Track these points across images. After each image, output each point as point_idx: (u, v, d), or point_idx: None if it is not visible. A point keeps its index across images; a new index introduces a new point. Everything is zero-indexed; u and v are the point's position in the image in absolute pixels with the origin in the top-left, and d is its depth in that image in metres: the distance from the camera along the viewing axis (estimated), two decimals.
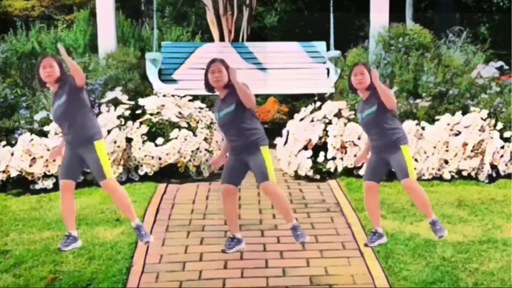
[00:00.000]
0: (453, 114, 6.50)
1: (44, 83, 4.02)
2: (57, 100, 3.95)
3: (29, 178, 5.98)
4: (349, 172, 6.36)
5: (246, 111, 3.93)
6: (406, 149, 4.09)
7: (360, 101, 4.18)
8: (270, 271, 4.10)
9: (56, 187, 5.99)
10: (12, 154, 5.97)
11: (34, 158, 5.94)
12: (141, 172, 6.22)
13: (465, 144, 6.17)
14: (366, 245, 4.31)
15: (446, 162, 6.23)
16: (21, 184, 6.02)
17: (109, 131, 6.11)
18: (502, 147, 6.22)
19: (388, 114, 3.99)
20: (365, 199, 4.25)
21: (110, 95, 6.65)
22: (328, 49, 8.79)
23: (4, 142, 6.13)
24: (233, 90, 3.92)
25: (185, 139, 6.31)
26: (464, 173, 6.23)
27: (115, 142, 6.06)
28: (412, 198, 4.20)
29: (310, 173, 6.33)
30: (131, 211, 4.17)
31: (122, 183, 6.04)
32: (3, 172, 5.94)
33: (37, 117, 6.44)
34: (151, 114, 6.46)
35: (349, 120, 6.58)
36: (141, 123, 6.38)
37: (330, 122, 6.54)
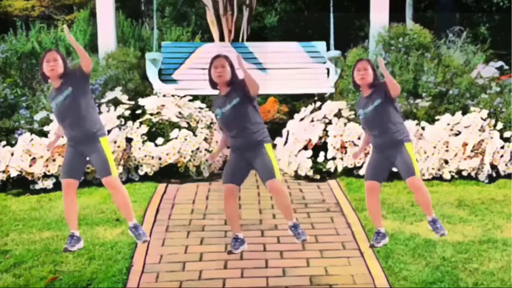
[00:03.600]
0: (453, 114, 6.51)
1: (47, 77, 3.94)
2: (59, 95, 3.84)
3: (29, 178, 5.98)
4: (349, 172, 6.36)
5: (250, 106, 3.87)
6: (410, 147, 4.08)
7: (360, 97, 4.12)
8: (270, 271, 4.10)
9: (56, 187, 5.99)
10: (12, 154, 5.97)
11: (34, 158, 5.94)
12: (141, 172, 6.22)
13: (465, 144, 6.17)
14: (372, 246, 4.28)
15: (446, 162, 6.23)
16: (21, 184, 6.02)
17: (109, 131, 6.10)
18: (502, 147, 6.23)
19: (391, 108, 3.94)
20: (367, 199, 4.22)
21: (110, 95, 6.66)
22: (328, 49, 8.78)
23: (4, 142, 6.12)
24: (236, 87, 3.87)
25: (185, 139, 6.31)
26: (464, 173, 6.23)
27: (115, 142, 6.06)
28: (416, 196, 4.15)
29: (310, 173, 6.33)
30: (130, 211, 4.15)
31: (122, 183, 6.04)
32: (3, 172, 5.94)
33: (37, 117, 6.44)
34: (151, 114, 6.46)
35: (349, 120, 6.58)
36: (141, 123, 6.38)
37: (330, 122, 6.54)
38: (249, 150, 3.92)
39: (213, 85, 3.98)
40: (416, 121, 6.43)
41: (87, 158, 4.08)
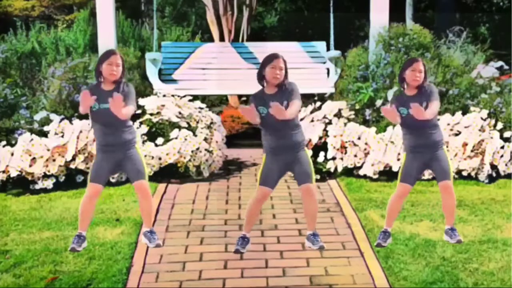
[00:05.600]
0: (453, 114, 6.50)
1: (103, 78, 3.97)
2: (105, 102, 3.86)
3: (29, 178, 5.98)
4: (349, 172, 6.36)
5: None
6: (445, 150, 4.13)
7: (401, 94, 4.11)
8: (270, 271, 4.10)
9: (56, 187, 6.00)
10: (12, 154, 5.97)
11: (34, 158, 5.93)
12: None
13: (465, 144, 6.17)
14: (379, 245, 4.28)
15: None
16: (21, 184, 6.02)
17: None
18: (502, 147, 6.23)
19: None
20: (395, 200, 4.21)
21: None
22: (328, 49, 8.78)
23: (4, 142, 6.12)
24: (284, 89, 3.91)
25: (185, 139, 6.31)
26: (464, 173, 6.23)
27: None
28: (444, 200, 4.16)
29: None
30: (152, 217, 4.25)
31: (122, 183, 6.05)
32: (3, 172, 5.94)
33: (37, 117, 6.44)
34: (151, 114, 6.46)
35: (349, 120, 6.58)
36: (141, 123, 6.38)
37: (330, 122, 6.54)
38: (291, 151, 3.94)
39: (261, 81, 3.96)
40: None
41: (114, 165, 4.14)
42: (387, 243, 4.31)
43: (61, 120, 6.30)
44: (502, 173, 6.25)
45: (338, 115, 6.64)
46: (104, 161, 4.02)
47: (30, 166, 5.93)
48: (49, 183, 5.99)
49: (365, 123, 6.65)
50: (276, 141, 3.94)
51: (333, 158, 6.36)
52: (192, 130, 6.48)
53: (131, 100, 3.95)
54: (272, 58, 3.94)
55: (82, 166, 6.07)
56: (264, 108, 3.86)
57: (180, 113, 6.59)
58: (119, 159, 4.03)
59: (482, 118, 6.34)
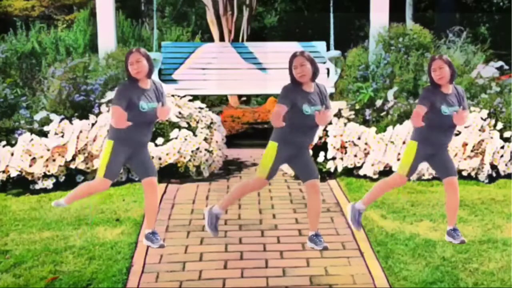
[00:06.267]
0: None
1: (135, 80, 4.02)
2: (153, 99, 4.03)
3: (29, 178, 5.98)
4: (349, 172, 6.36)
5: None
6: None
7: (436, 91, 4.09)
8: (270, 271, 4.10)
9: (56, 187, 5.99)
10: (12, 154, 5.96)
11: (34, 158, 5.93)
12: None
13: (465, 144, 6.17)
14: (353, 220, 4.44)
15: None
16: (21, 184, 6.01)
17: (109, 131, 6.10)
18: (502, 147, 6.22)
19: None
20: (384, 187, 4.32)
21: (110, 95, 6.64)
22: (328, 49, 8.77)
23: (4, 142, 6.12)
24: (320, 90, 4.00)
25: (185, 139, 6.30)
26: (464, 173, 6.23)
27: None
28: (449, 198, 4.19)
29: None
30: (155, 216, 4.27)
31: (122, 183, 6.05)
32: (3, 172, 5.94)
33: (37, 117, 6.43)
34: None
35: (349, 120, 6.58)
36: None
37: (330, 122, 6.54)
38: (299, 146, 4.00)
39: (297, 83, 3.95)
40: None
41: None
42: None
43: (61, 120, 6.29)
44: (502, 173, 6.25)
45: (338, 115, 6.63)
46: (120, 156, 4.07)
47: (30, 166, 5.93)
48: (49, 183, 5.99)
49: (365, 123, 6.65)
50: (298, 137, 3.97)
51: (333, 158, 6.36)
52: (192, 130, 6.48)
53: (165, 99, 4.13)
54: (291, 58, 4.00)
55: (82, 166, 6.07)
56: (308, 107, 3.89)
57: (180, 113, 6.59)
58: (132, 155, 4.08)
59: (482, 118, 6.34)
